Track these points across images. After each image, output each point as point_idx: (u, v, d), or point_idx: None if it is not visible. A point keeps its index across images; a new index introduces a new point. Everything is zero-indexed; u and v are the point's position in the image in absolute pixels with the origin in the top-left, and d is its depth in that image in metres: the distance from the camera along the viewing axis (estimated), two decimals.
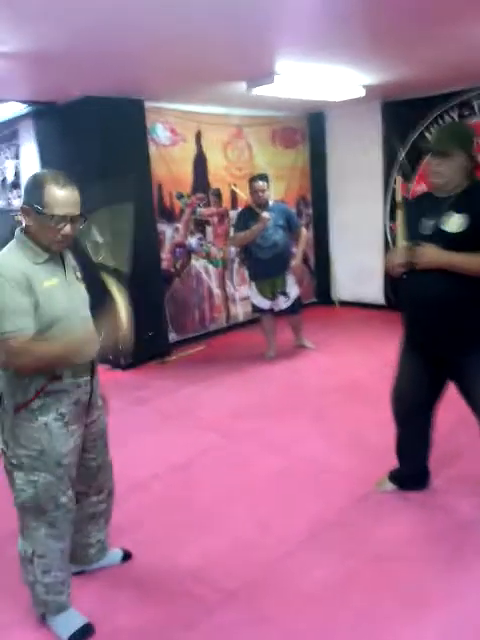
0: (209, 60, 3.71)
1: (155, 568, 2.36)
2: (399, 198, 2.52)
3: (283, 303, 4.95)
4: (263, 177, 4.81)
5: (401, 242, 2.36)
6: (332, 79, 4.50)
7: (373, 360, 4.75)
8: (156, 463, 3.26)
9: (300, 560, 2.36)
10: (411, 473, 2.76)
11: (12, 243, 1.86)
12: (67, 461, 1.93)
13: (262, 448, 3.38)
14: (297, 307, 5.07)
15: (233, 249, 5.94)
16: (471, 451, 3.06)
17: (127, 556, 2.40)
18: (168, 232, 5.46)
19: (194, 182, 5.61)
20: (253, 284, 5.01)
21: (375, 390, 4.03)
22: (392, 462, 2.77)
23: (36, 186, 1.79)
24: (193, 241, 5.69)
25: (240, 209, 5.25)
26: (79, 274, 2.03)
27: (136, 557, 2.42)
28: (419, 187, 5.64)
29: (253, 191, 4.75)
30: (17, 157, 5.62)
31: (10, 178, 5.76)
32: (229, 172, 5.87)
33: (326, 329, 5.93)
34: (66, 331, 1.86)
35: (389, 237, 6.24)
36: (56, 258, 1.89)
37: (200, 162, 5.64)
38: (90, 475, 2.14)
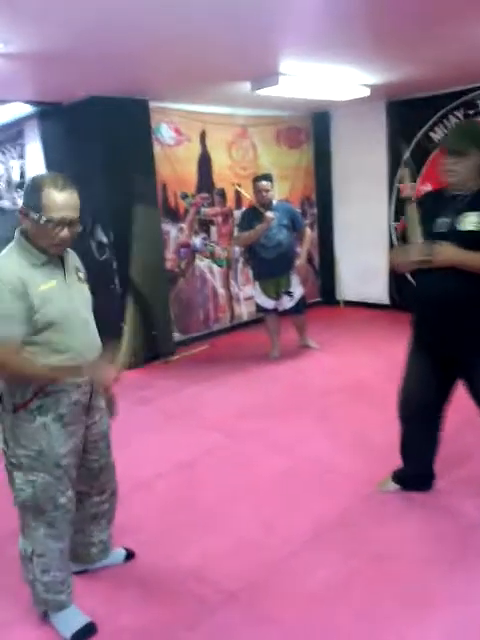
0: (213, 61, 3.72)
1: (158, 568, 2.37)
2: (412, 197, 2.50)
3: (287, 303, 4.95)
4: (267, 177, 4.81)
5: (415, 240, 2.35)
6: (336, 79, 4.50)
7: (378, 360, 4.74)
8: (160, 463, 3.27)
9: (303, 560, 2.36)
10: (415, 473, 2.75)
11: (11, 245, 1.86)
12: (66, 462, 1.93)
13: (266, 448, 3.37)
14: (301, 307, 5.06)
15: (237, 249, 5.94)
16: (477, 452, 3.05)
17: (130, 556, 2.41)
18: (172, 232, 5.47)
19: (198, 182, 5.61)
20: (257, 284, 5.01)
21: (380, 390, 4.03)
22: (396, 462, 2.76)
23: (34, 189, 1.78)
24: (197, 241, 5.70)
25: (244, 209, 5.24)
26: (82, 275, 2.02)
27: (139, 557, 2.42)
28: (423, 186, 5.61)
29: (257, 191, 4.75)
30: (22, 157, 5.64)
31: (15, 178, 5.79)
32: (233, 172, 5.87)
33: (330, 329, 5.93)
34: (64, 333, 1.85)
35: (394, 237, 6.22)
36: (55, 260, 1.88)
37: (204, 162, 5.64)
38: (92, 476, 2.14)
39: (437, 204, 2.39)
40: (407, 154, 5.90)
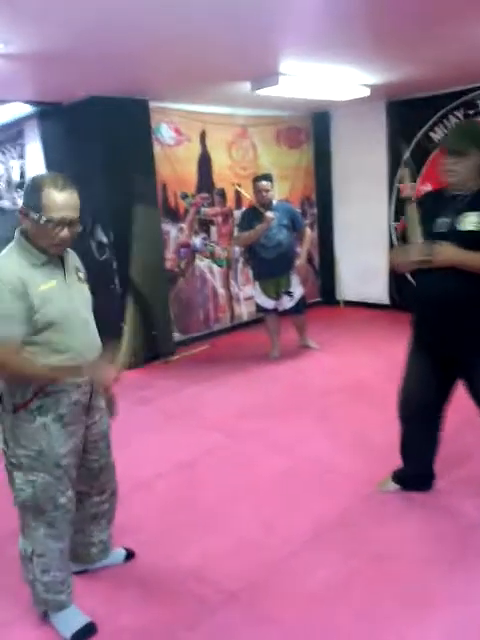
0: (213, 61, 3.72)
1: (158, 568, 2.37)
2: (412, 197, 2.50)
3: (287, 303, 4.95)
4: (267, 177, 4.81)
5: (415, 240, 2.35)
6: (336, 79, 4.50)
7: (378, 360, 4.74)
8: (160, 463, 3.27)
9: (303, 560, 2.36)
10: (415, 473, 2.75)
11: (11, 245, 1.86)
12: (66, 462, 1.93)
13: (266, 448, 3.38)
14: (301, 307, 5.06)
15: (237, 249, 5.94)
16: (477, 452, 3.05)
17: (130, 555, 2.41)
18: (172, 232, 5.47)
19: (198, 182, 5.61)
20: (257, 284, 5.01)
21: (380, 390, 4.03)
22: (396, 463, 2.76)
23: (34, 189, 1.78)
24: (197, 241, 5.70)
25: (244, 209, 5.25)
26: (82, 275, 2.02)
27: (139, 557, 2.42)
28: (423, 186, 5.61)
29: (257, 191, 4.75)
30: (22, 157, 5.64)
31: (15, 178, 5.79)
32: (233, 172, 5.87)
33: (330, 329, 5.93)
34: (64, 333, 1.85)
35: (394, 237, 6.22)
36: (55, 260, 1.88)
37: (204, 162, 5.64)
38: (92, 476, 2.14)
39: (437, 204, 2.39)
40: (407, 154, 5.91)
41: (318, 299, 6.97)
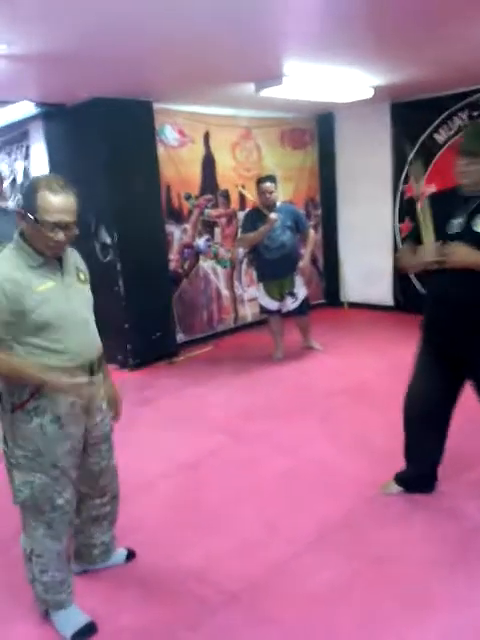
0: (216, 62, 3.72)
1: (159, 568, 2.36)
2: (418, 196, 2.49)
3: (291, 304, 4.94)
4: (271, 178, 4.81)
5: (428, 239, 2.34)
6: (340, 80, 4.50)
7: (382, 362, 4.72)
8: (163, 463, 3.27)
9: (305, 562, 2.35)
10: (418, 475, 2.74)
11: (10, 246, 1.87)
12: (63, 463, 1.93)
13: (270, 449, 3.37)
14: (305, 308, 5.06)
15: (241, 250, 5.94)
16: None
17: (131, 555, 2.41)
18: (176, 233, 5.48)
19: (202, 183, 5.62)
20: (261, 285, 5.01)
21: (383, 392, 4.02)
22: (399, 465, 2.75)
23: (31, 191, 1.78)
24: (201, 242, 5.70)
25: (247, 210, 5.25)
26: (83, 276, 2.01)
27: (140, 557, 2.42)
28: (428, 188, 5.60)
29: (260, 192, 4.75)
30: (27, 158, 5.66)
31: (20, 179, 5.81)
32: (237, 173, 5.88)
33: (334, 330, 5.92)
34: (61, 334, 1.85)
35: (398, 238, 6.21)
36: (53, 261, 1.88)
37: (208, 163, 5.65)
38: (92, 478, 2.13)
39: (450, 205, 2.37)
40: (411, 155, 5.90)
41: (322, 300, 6.96)
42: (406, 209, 6.09)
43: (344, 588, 2.18)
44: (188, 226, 5.57)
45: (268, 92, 4.43)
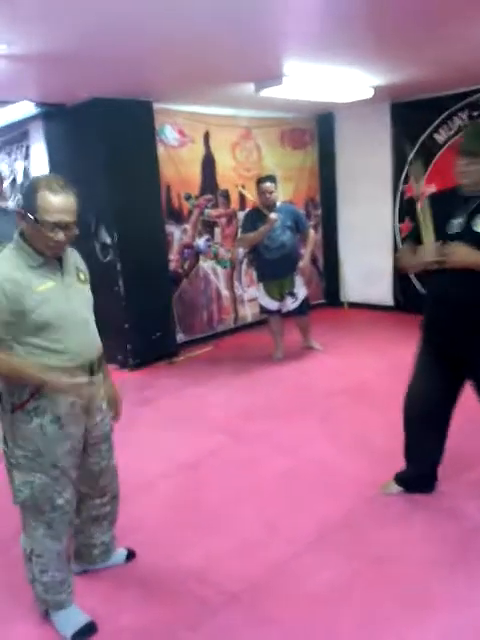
0: (216, 62, 3.73)
1: (159, 568, 2.36)
2: (418, 196, 2.49)
3: (291, 304, 4.94)
4: (270, 178, 4.81)
5: (428, 239, 2.33)
6: (340, 80, 4.50)
7: (382, 362, 4.73)
8: (163, 463, 3.27)
9: (306, 562, 2.35)
10: (418, 474, 2.74)
11: (10, 246, 1.87)
12: (63, 463, 1.93)
13: (270, 449, 3.37)
14: (305, 308, 5.06)
15: (241, 250, 5.94)
16: None
17: (131, 555, 2.41)
18: (176, 233, 5.48)
19: (202, 183, 5.62)
20: (261, 285, 5.00)
21: (383, 392, 4.02)
22: (399, 465, 2.75)
23: (31, 191, 1.78)
24: (201, 242, 5.70)
25: (247, 210, 5.25)
26: (83, 276, 2.01)
27: (141, 557, 2.42)
28: (428, 188, 5.60)
29: (260, 192, 4.75)
30: (27, 158, 5.66)
31: (20, 179, 5.81)
32: (237, 173, 5.88)
33: (334, 330, 5.92)
34: (61, 334, 1.85)
35: (398, 238, 6.21)
36: (53, 261, 1.88)
37: (208, 163, 5.65)
38: (92, 478, 2.13)
39: (450, 205, 2.36)
40: (411, 155, 5.90)
41: (322, 300, 6.97)
42: (406, 209, 6.09)
43: (344, 588, 2.18)
44: (188, 226, 5.57)
45: (268, 92, 4.43)
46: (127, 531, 2.51)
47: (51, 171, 5.08)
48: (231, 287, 6.05)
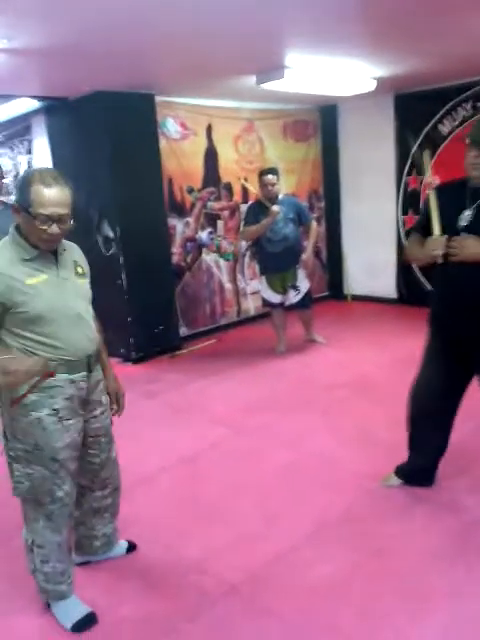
0: (218, 55, 3.71)
1: (159, 560, 2.38)
2: (428, 189, 2.44)
3: (293, 297, 4.94)
4: (273, 171, 4.79)
5: (435, 233, 2.30)
6: (342, 72, 4.47)
7: (384, 355, 4.72)
8: (164, 456, 3.28)
9: (305, 554, 2.36)
10: (419, 467, 2.73)
11: (5, 239, 1.88)
12: (62, 456, 1.94)
13: (271, 442, 3.38)
14: (308, 301, 5.05)
15: (244, 243, 5.94)
16: None
17: (132, 547, 2.43)
18: (179, 226, 5.47)
19: (205, 176, 5.61)
20: (263, 278, 5.00)
21: (385, 385, 4.02)
22: (400, 458, 2.75)
23: (24, 184, 1.79)
24: (204, 235, 5.70)
25: (250, 203, 5.24)
26: (81, 269, 2.01)
27: (141, 549, 2.44)
28: (432, 179, 5.57)
29: (263, 185, 4.74)
30: (30, 152, 5.66)
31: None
32: (240, 166, 5.86)
33: (337, 323, 5.91)
34: (53, 327, 1.85)
35: (402, 231, 6.19)
36: (48, 254, 1.88)
37: (211, 156, 5.64)
38: (93, 471, 2.15)
39: (459, 196, 2.32)
40: (414, 148, 5.87)
41: (326, 293, 6.96)
42: (410, 201, 6.06)
43: (344, 580, 2.18)
44: (191, 219, 5.57)
45: (270, 86, 4.41)
46: (128, 523, 2.53)
47: (54, 165, 5.08)
48: (234, 280, 6.05)
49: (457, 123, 5.54)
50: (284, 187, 5.76)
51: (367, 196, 6.46)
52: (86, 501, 2.20)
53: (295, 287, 4.91)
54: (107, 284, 4.76)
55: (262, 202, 4.75)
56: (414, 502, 2.65)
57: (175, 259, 5.45)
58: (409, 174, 6.04)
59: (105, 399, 2.13)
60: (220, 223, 5.82)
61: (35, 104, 4.93)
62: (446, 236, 2.27)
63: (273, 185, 4.69)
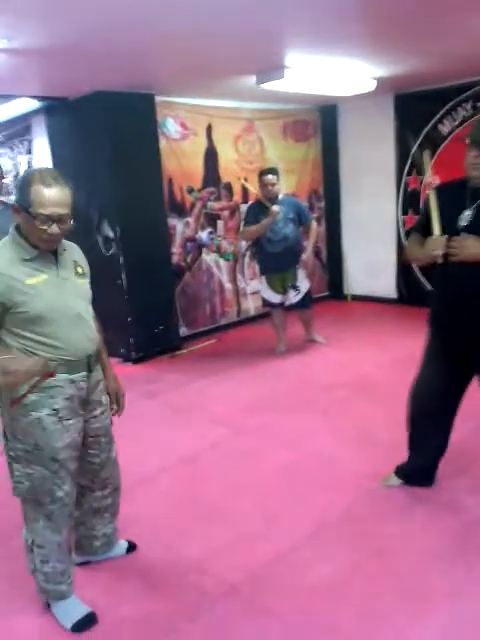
0: (218, 55, 3.71)
1: (159, 560, 2.38)
2: (429, 188, 2.43)
3: (293, 297, 4.94)
4: (273, 171, 4.79)
5: (435, 233, 2.29)
6: (342, 72, 4.47)
7: (384, 355, 4.72)
8: (164, 456, 3.28)
9: (305, 554, 2.36)
10: (419, 467, 2.73)
11: (5, 239, 1.88)
12: (62, 456, 1.94)
13: (271, 442, 3.38)
14: (307, 301, 5.05)
15: (244, 243, 5.94)
16: None
17: (132, 547, 2.43)
18: (179, 226, 5.47)
19: (205, 176, 5.61)
20: (263, 278, 5.00)
21: (385, 385, 4.02)
22: (400, 458, 2.75)
23: (24, 184, 1.79)
24: (204, 235, 5.70)
25: (250, 203, 5.24)
26: (81, 269, 2.01)
27: (141, 549, 2.44)
28: (432, 179, 5.57)
29: (263, 185, 4.74)
30: (30, 152, 5.66)
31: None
32: (240, 166, 5.86)
33: (337, 323, 5.91)
34: (53, 327, 1.85)
35: (402, 231, 6.19)
36: (48, 254, 1.88)
37: (211, 156, 5.64)
38: (93, 471, 2.15)
39: (459, 196, 2.32)
40: (414, 148, 5.87)
41: (326, 293, 6.96)
42: (410, 201, 6.06)
43: (344, 580, 2.18)
44: (191, 219, 5.57)
45: (270, 86, 4.41)
46: (128, 523, 2.53)
47: (54, 165, 5.08)
48: (234, 280, 6.05)
49: (457, 123, 5.54)
50: (284, 187, 5.76)
51: (367, 196, 6.46)
52: (86, 501, 2.20)
53: (295, 287, 4.91)
54: (107, 284, 4.76)
55: (262, 202, 4.75)
56: (414, 502, 2.65)
57: (175, 259, 5.45)
58: (409, 174, 6.04)
59: (105, 399, 2.13)
60: (220, 223, 5.82)
61: (35, 104, 4.93)
62: (446, 236, 2.26)
63: (273, 185, 4.69)
